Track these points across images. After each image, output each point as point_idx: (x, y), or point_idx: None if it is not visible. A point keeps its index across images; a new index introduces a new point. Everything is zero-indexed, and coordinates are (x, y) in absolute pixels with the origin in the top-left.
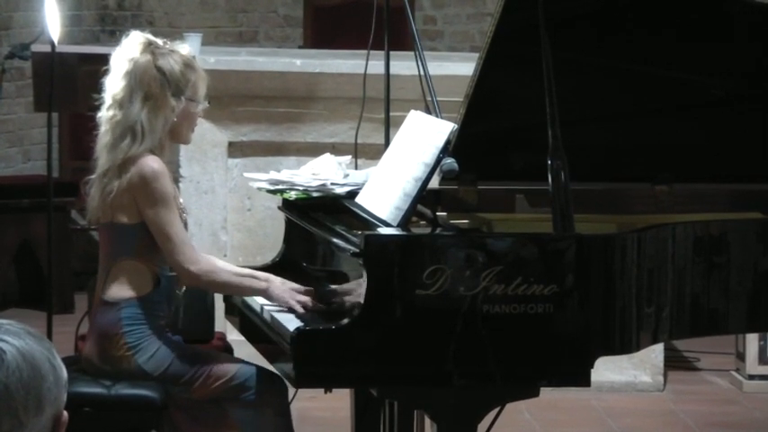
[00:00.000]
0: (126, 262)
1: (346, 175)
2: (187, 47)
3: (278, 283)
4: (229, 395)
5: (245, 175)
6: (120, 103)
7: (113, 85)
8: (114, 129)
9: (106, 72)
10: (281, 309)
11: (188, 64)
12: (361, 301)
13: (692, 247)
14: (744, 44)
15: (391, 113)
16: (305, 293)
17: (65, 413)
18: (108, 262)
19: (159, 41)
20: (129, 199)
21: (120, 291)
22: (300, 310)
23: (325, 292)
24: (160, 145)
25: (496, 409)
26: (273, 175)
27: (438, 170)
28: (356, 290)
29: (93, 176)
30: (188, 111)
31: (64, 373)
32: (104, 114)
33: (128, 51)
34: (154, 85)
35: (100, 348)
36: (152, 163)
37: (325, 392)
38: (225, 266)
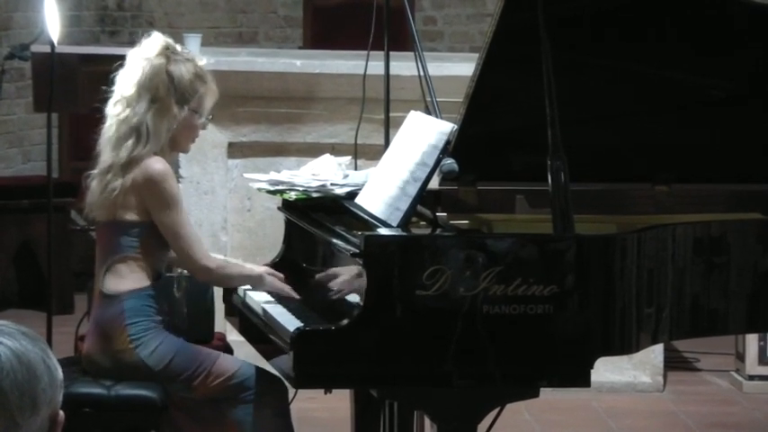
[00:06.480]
0: (128, 257)
1: (346, 176)
2: (205, 59)
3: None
4: (229, 394)
5: (245, 175)
6: (128, 101)
7: (124, 81)
8: (120, 126)
9: (117, 68)
10: (278, 305)
11: (199, 75)
12: (361, 301)
13: (692, 248)
14: (744, 45)
15: (391, 114)
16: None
17: (61, 413)
18: (107, 257)
19: (178, 47)
20: (135, 198)
21: (120, 283)
22: (296, 296)
23: (323, 292)
24: (162, 150)
25: (496, 410)
26: (273, 175)
27: (438, 171)
28: (351, 284)
29: (94, 171)
30: (189, 121)
31: (59, 373)
32: (111, 109)
33: (145, 51)
34: (161, 89)
35: (102, 342)
36: (156, 164)
37: (325, 393)
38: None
